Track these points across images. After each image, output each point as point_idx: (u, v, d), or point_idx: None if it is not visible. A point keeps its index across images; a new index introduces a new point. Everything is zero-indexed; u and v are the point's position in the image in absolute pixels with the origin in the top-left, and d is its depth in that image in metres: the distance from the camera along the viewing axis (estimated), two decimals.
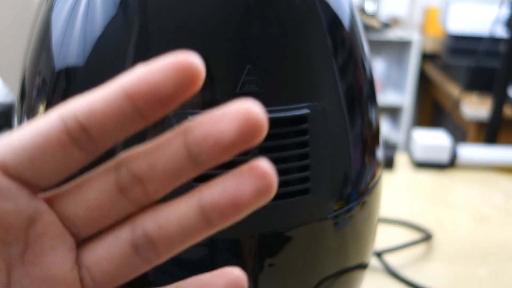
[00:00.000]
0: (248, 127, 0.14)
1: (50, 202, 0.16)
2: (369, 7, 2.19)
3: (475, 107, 1.53)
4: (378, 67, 2.22)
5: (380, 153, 0.33)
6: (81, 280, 0.17)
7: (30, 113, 0.28)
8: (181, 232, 0.16)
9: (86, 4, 0.26)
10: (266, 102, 0.26)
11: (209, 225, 0.16)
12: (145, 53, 0.24)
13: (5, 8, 1.48)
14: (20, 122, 0.29)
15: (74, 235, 0.16)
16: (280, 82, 0.26)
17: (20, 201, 0.15)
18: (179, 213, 0.16)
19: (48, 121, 0.15)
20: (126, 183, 0.16)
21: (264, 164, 0.15)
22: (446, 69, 1.92)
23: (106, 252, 0.16)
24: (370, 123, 0.31)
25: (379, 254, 0.52)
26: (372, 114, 0.32)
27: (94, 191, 0.16)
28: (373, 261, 0.52)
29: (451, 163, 0.79)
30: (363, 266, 0.34)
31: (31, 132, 0.15)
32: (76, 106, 0.15)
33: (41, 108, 0.27)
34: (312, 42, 0.27)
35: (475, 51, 1.45)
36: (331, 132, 0.28)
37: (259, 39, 0.25)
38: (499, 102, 0.91)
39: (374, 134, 0.32)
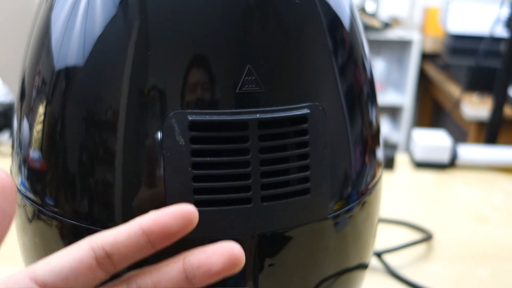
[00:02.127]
0: (231, 261, 0.20)
1: None
2: (369, 7, 2.19)
3: (476, 107, 1.53)
4: (378, 67, 2.22)
5: (380, 153, 0.33)
6: None
7: (30, 113, 0.28)
8: None
9: (86, 4, 0.25)
10: (266, 102, 0.26)
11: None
12: (145, 53, 0.24)
13: (5, 8, 1.47)
14: (20, 122, 0.29)
15: None
16: (280, 82, 0.26)
17: None
18: None
19: (80, 249, 0.20)
20: None
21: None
22: (447, 69, 1.92)
23: None
24: (370, 123, 0.31)
25: (379, 254, 0.52)
26: (372, 114, 0.32)
27: None
28: (373, 261, 0.52)
29: (451, 163, 0.79)
30: (363, 266, 0.34)
31: (67, 258, 0.20)
32: (103, 238, 0.20)
33: (41, 108, 0.27)
34: (312, 42, 0.27)
35: (476, 51, 1.45)
36: (331, 132, 0.28)
37: (259, 39, 0.25)
38: (500, 102, 0.91)
39: (374, 134, 0.32)
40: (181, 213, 0.20)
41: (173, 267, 0.21)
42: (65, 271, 0.19)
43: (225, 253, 0.21)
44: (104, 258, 0.20)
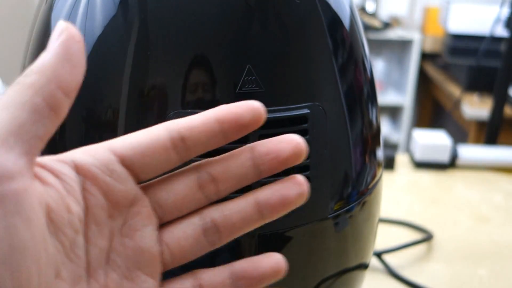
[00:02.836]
0: (297, 150, 0.21)
1: (145, 190, 0.21)
2: (369, 6, 2.19)
3: (476, 107, 1.53)
4: (378, 67, 2.22)
5: (380, 153, 0.33)
6: (161, 254, 0.21)
7: None
8: (241, 221, 0.21)
9: (85, 4, 0.25)
10: (266, 102, 0.26)
11: (262, 217, 0.22)
12: (144, 53, 0.24)
13: (5, 8, 1.47)
14: None
15: (159, 217, 0.21)
16: (280, 82, 0.26)
17: (129, 185, 0.20)
18: (239, 207, 0.21)
19: (157, 130, 0.20)
20: (204, 181, 0.21)
21: (302, 178, 0.21)
22: (447, 68, 1.92)
23: (183, 233, 0.21)
24: (370, 123, 0.31)
25: (379, 254, 0.52)
26: (373, 114, 0.32)
27: (181, 185, 0.21)
28: (373, 261, 0.52)
29: (452, 163, 0.79)
30: (363, 266, 0.34)
31: (144, 135, 0.20)
32: (179, 123, 0.20)
33: None
34: (312, 42, 0.27)
35: (476, 51, 1.45)
36: (331, 132, 0.28)
37: (259, 39, 0.25)
38: (500, 102, 0.91)
39: (375, 134, 0.32)
40: (251, 107, 0.20)
41: (241, 155, 0.21)
42: (142, 147, 0.20)
43: (292, 141, 0.21)
44: (179, 141, 0.20)
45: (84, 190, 0.19)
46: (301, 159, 0.21)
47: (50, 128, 0.18)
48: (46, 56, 0.18)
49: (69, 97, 0.18)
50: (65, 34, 0.18)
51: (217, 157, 0.21)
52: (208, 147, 0.21)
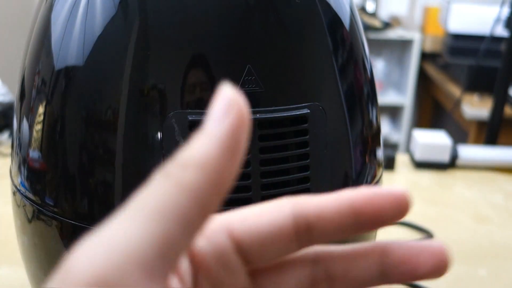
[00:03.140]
0: (439, 267, 0.17)
1: (252, 278, 0.17)
2: (369, 6, 2.19)
3: (476, 107, 1.53)
4: (378, 66, 2.22)
5: (380, 153, 0.33)
6: None
7: (29, 113, 0.28)
8: None
9: (85, 4, 0.25)
10: (266, 102, 0.26)
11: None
12: (144, 53, 0.24)
13: (5, 8, 1.47)
14: (20, 122, 0.29)
15: None
16: (280, 82, 0.26)
17: (240, 279, 0.17)
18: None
19: (281, 212, 0.17)
20: (319, 279, 0.18)
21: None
22: (447, 68, 1.92)
23: None
24: (370, 123, 0.31)
25: None
26: (373, 114, 0.32)
27: (292, 278, 0.18)
28: None
29: (452, 163, 0.79)
30: None
31: (266, 219, 0.17)
32: (309, 206, 0.17)
33: (41, 108, 0.27)
34: (312, 41, 0.27)
35: (476, 51, 1.45)
36: (331, 132, 0.28)
37: (259, 39, 0.25)
38: (500, 102, 0.91)
39: (375, 134, 0.32)
40: (395, 196, 0.16)
41: (369, 257, 0.17)
42: (263, 235, 0.16)
43: (437, 253, 0.18)
44: (304, 230, 0.16)
45: (196, 285, 0.16)
46: (444, 274, 0.17)
47: (196, 238, 0.14)
48: (209, 146, 0.14)
49: (222, 198, 0.14)
50: (234, 113, 0.14)
51: (338, 251, 0.18)
52: (333, 238, 0.17)
